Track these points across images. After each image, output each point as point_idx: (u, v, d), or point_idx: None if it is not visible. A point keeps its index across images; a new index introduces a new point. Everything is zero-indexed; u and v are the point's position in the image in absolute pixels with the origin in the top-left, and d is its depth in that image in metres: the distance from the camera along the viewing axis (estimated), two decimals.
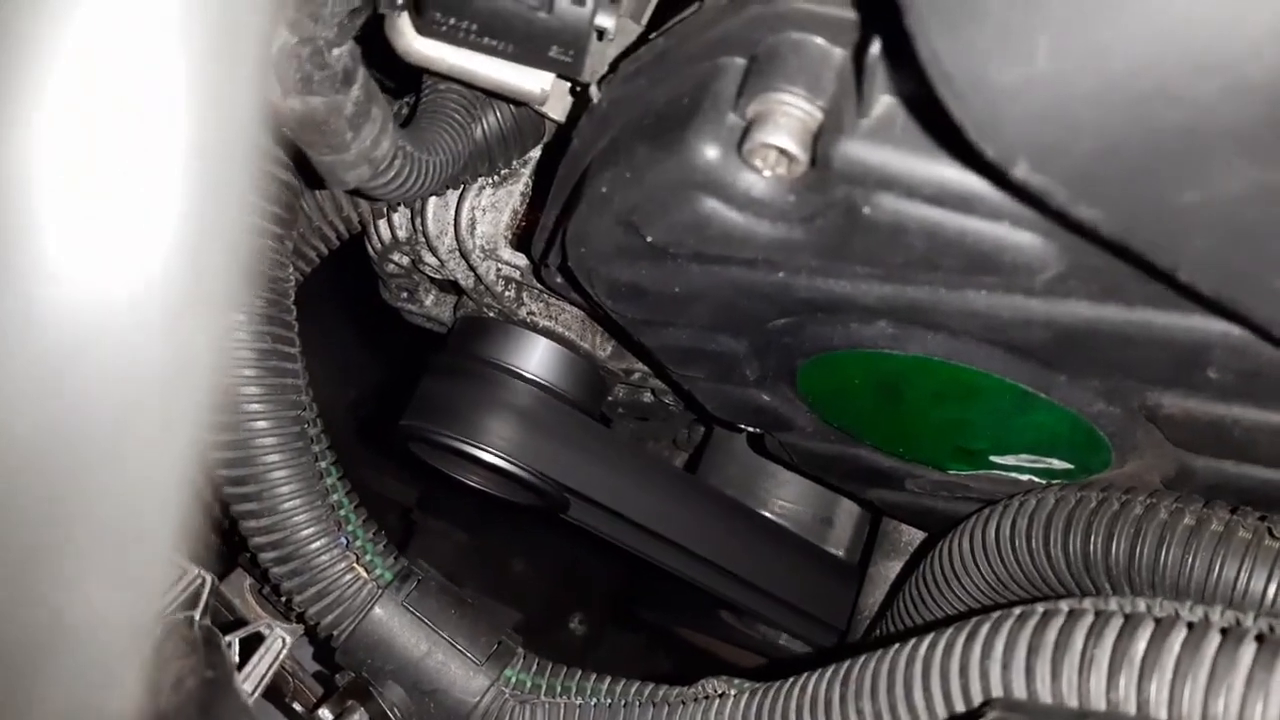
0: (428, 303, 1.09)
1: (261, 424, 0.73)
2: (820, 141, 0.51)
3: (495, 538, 1.69)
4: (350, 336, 1.64)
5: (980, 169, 0.45)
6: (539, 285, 0.95)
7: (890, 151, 0.49)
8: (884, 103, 0.49)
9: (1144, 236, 0.41)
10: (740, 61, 0.54)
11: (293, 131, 0.59)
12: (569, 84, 0.71)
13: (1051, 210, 0.41)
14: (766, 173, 0.53)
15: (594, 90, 0.66)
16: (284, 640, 0.69)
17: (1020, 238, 0.49)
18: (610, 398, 1.14)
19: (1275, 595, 0.62)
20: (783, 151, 0.52)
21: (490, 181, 0.90)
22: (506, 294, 0.97)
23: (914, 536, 1.03)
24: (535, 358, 1.00)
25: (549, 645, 1.68)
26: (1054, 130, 0.37)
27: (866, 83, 0.49)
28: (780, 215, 0.55)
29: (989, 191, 0.48)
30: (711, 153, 0.54)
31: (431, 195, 0.89)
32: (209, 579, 0.65)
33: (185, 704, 0.41)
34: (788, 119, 0.51)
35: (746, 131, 0.52)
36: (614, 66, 0.65)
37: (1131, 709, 0.49)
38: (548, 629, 1.74)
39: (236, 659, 0.67)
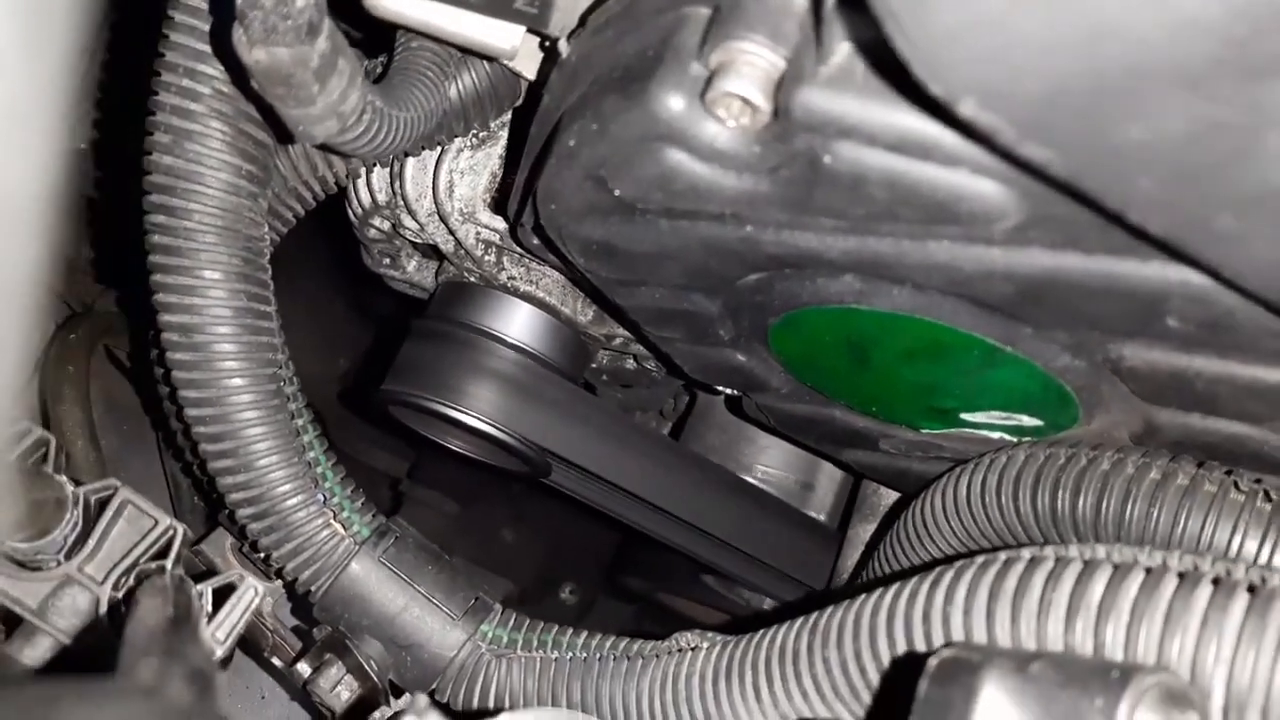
0: (410, 268, 1.10)
1: (237, 381, 0.74)
2: (781, 91, 0.51)
3: (486, 508, 1.70)
4: (340, 306, 1.64)
5: (932, 111, 0.45)
6: (519, 249, 0.95)
7: (850, 100, 0.49)
8: (843, 51, 0.49)
9: (1092, 176, 0.41)
10: (704, 11, 0.54)
11: (259, 84, 0.59)
12: (540, 40, 0.71)
13: (1000, 150, 0.41)
14: (730, 123, 0.53)
15: (563, 45, 0.66)
16: (256, 590, 0.70)
17: (979, 185, 0.50)
18: (594, 365, 1.15)
19: (1239, 547, 0.63)
20: (745, 101, 0.52)
21: (468, 144, 0.90)
22: (486, 258, 0.98)
23: (892, 498, 1.04)
24: (516, 322, 1.00)
25: (540, 615, 1.69)
26: (999, 67, 0.37)
27: (825, 30, 0.49)
28: (745, 166, 0.56)
29: (946, 138, 0.48)
30: (675, 103, 0.54)
31: (406, 154, 0.89)
32: (180, 529, 0.66)
33: (149, 642, 0.42)
34: (750, 68, 0.51)
35: (709, 81, 0.52)
36: (583, 20, 0.65)
37: (1088, 651, 0.50)
38: (539, 598, 1.75)
39: (209, 608, 0.67)
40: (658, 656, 0.74)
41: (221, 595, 0.69)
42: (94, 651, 0.62)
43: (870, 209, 0.54)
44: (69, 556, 0.66)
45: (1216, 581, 0.49)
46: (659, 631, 1.72)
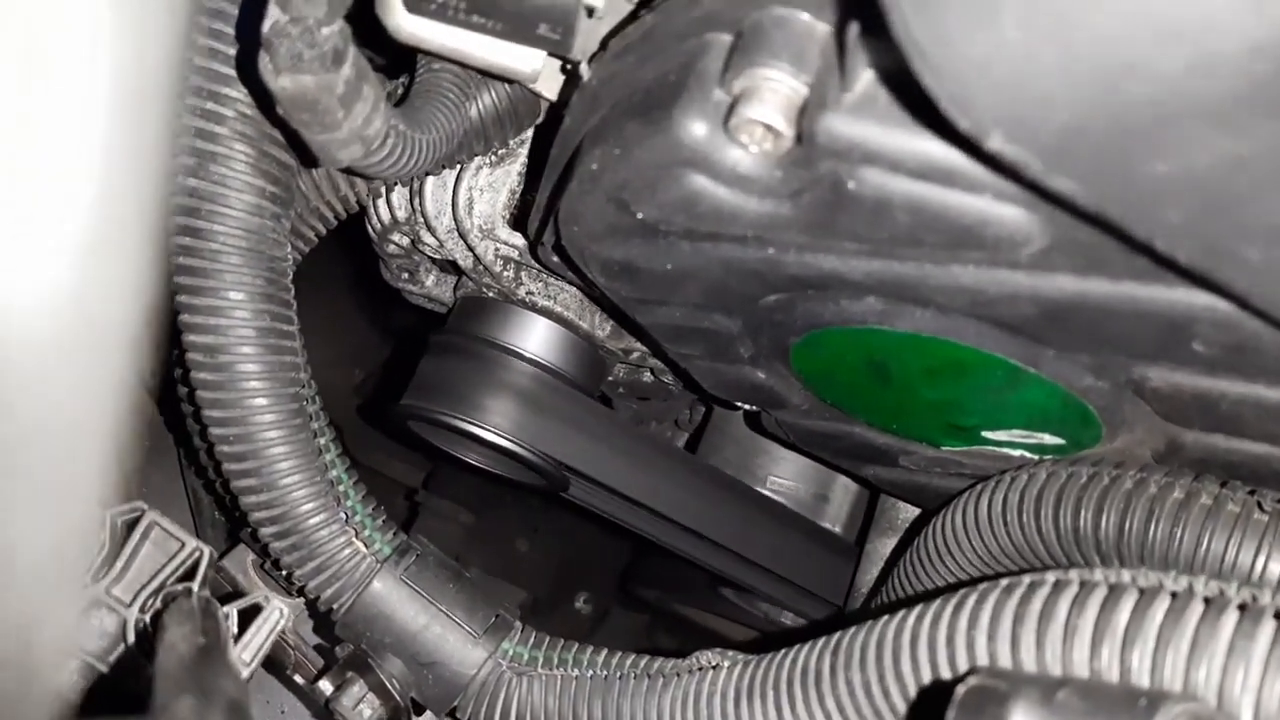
0: (428, 283, 1.10)
1: (260, 401, 0.74)
2: (805, 117, 0.51)
3: (501, 518, 1.70)
4: (357, 319, 1.65)
5: (958, 142, 0.45)
6: (537, 265, 0.95)
7: (873, 126, 0.49)
8: (866, 78, 0.49)
9: (1119, 208, 0.41)
10: (726, 38, 0.55)
11: (285, 110, 0.59)
12: (561, 62, 0.72)
13: (1028, 181, 0.41)
14: (753, 148, 0.54)
15: (584, 68, 0.66)
16: (281, 612, 0.70)
17: (1003, 211, 0.50)
18: (610, 378, 1.15)
19: (1264, 568, 0.63)
20: (768, 127, 0.52)
21: (488, 161, 0.90)
22: (505, 274, 0.98)
23: (910, 513, 1.04)
24: (534, 337, 1.00)
25: (554, 625, 1.70)
26: (1025, 102, 0.38)
27: (849, 58, 0.49)
28: (767, 191, 0.56)
29: (970, 165, 0.48)
30: (698, 129, 0.54)
31: (428, 175, 0.90)
32: (207, 552, 0.66)
33: (177, 668, 0.42)
34: (773, 94, 0.52)
35: (733, 107, 0.53)
36: (604, 44, 0.65)
37: (1114, 678, 0.50)
38: (553, 608, 1.75)
39: (235, 629, 0.68)
40: (678, 675, 0.74)
41: (246, 616, 0.70)
42: (122, 674, 0.62)
43: (893, 233, 0.54)
44: (97, 579, 0.67)
45: (1243, 608, 0.49)
46: (673, 642, 1.72)
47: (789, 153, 0.53)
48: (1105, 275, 0.52)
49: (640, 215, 0.61)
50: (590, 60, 0.67)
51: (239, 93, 0.72)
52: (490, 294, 1.02)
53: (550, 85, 0.75)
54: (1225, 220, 0.40)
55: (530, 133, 0.88)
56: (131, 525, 0.68)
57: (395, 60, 0.80)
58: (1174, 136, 0.37)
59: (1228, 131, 0.36)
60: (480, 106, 0.78)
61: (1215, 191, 0.39)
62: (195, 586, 0.63)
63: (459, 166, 0.90)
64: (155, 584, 0.65)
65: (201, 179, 0.73)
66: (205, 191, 0.73)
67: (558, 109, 0.73)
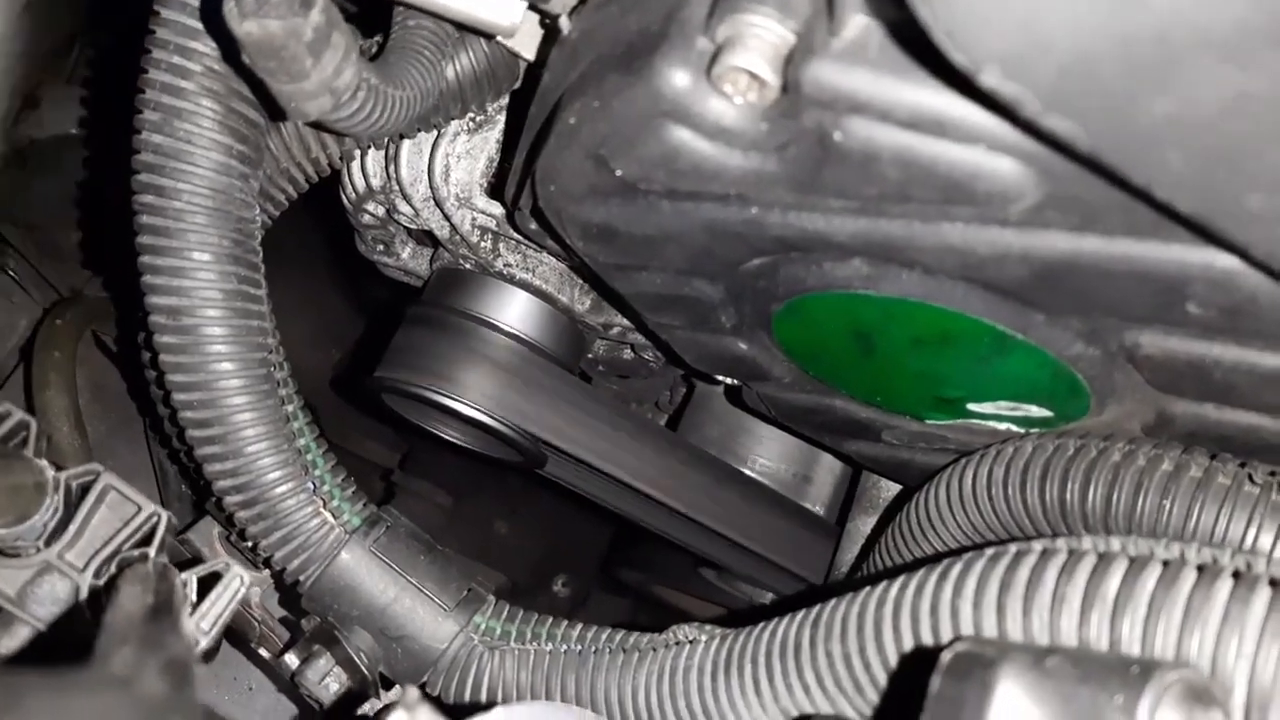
0: (404, 255, 1.08)
1: (226, 365, 0.72)
2: (791, 65, 0.49)
3: (479, 499, 1.69)
4: (334, 293, 1.62)
5: (952, 82, 0.43)
6: (515, 236, 0.93)
7: (863, 73, 0.47)
8: (856, 22, 0.47)
9: (1118, 151, 0.39)
10: None
11: (250, 58, 0.57)
12: (540, 19, 0.69)
13: (1023, 123, 0.40)
14: (737, 99, 0.52)
15: (564, 21, 0.64)
16: (242, 580, 0.68)
17: (996, 164, 0.48)
18: (590, 354, 1.13)
19: (1254, 541, 0.61)
20: (753, 75, 0.50)
21: (465, 127, 0.88)
22: (482, 245, 0.96)
23: (892, 491, 1.03)
24: (512, 310, 0.98)
25: (533, 608, 1.68)
26: (1024, 35, 0.36)
27: (838, 1, 0.47)
28: (751, 145, 0.54)
29: (963, 114, 0.46)
30: (681, 79, 0.52)
31: (403, 138, 0.87)
32: (165, 516, 0.64)
33: (122, 623, 0.40)
34: (758, 41, 0.50)
35: (716, 56, 0.51)
36: None
37: (1103, 648, 0.48)
38: (532, 591, 1.74)
39: (194, 597, 0.65)
40: (654, 649, 0.72)
41: (207, 584, 0.67)
42: (74, 641, 0.60)
43: (882, 189, 0.52)
44: (49, 543, 0.64)
45: (1237, 575, 0.48)
46: (654, 626, 1.71)
47: (774, 103, 0.51)
48: (1099, 232, 0.50)
49: (620, 172, 0.59)
50: (571, 13, 0.65)
51: (206, 46, 0.69)
52: (467, 266, 0.99)
53: (528, 44, 0.72)
54: (1227, 165, 0.38)
55: (507, 100, 0.85)
56: (86, 488, 0.65)
57: (370, 16, 0.78)
58: (1178, 72, 0.35)
59: (1236, 65, 0.35)
60: (458, 67, 0.76)
61: (1219, 133, 0.37)
62: (152, 552, 0.60)
63: (435, 132, 0.88)
64: (110, 549, 0.63)
65: (166, 135, 0.70)
66: (170, 148, 0.70)
67: (535, 71, 0.71)
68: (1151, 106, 0.37)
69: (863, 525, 1.03)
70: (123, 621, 0.41)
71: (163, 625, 0.41)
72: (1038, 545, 0.54)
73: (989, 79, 0.37)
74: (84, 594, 0.62)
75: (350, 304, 1.65)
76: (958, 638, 0.51)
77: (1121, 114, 0.37)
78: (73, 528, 0.63)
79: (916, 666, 0.50)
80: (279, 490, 0.74)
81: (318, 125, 0.68)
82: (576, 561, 1.77)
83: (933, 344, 0.67)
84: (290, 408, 0.76)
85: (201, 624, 0.65)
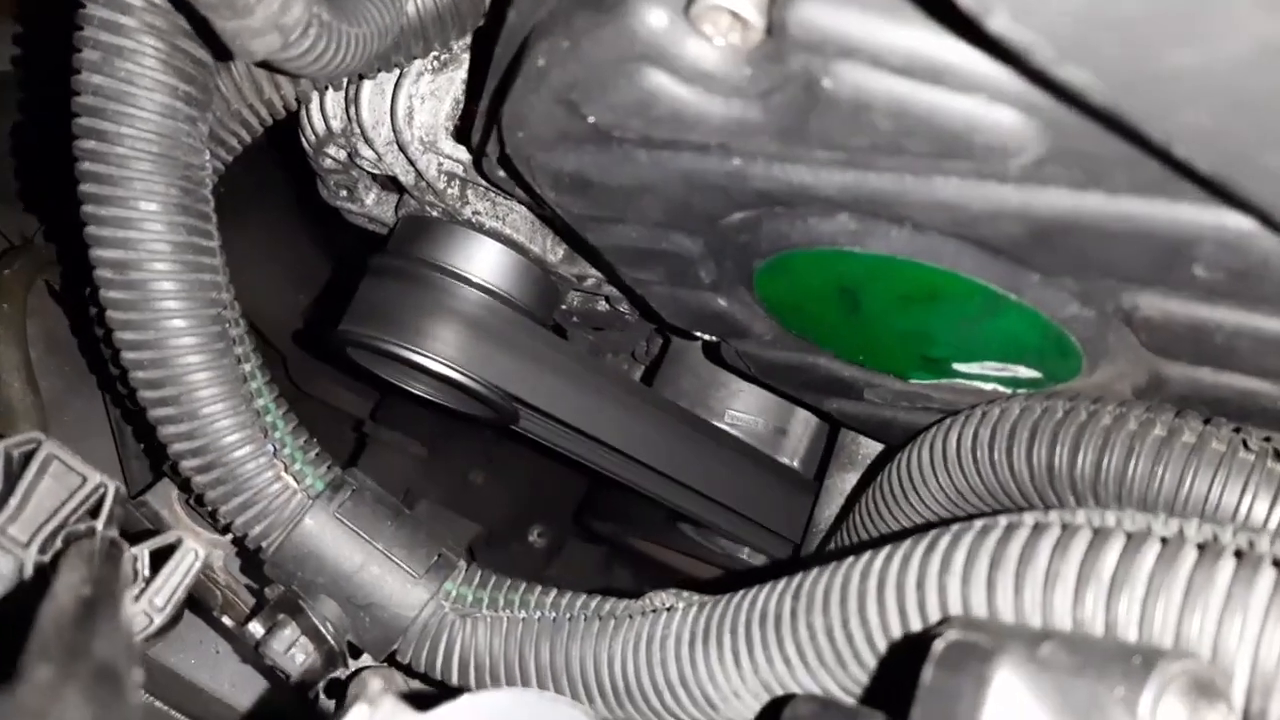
0: (368, 201, 1.03)
1: (178, 322, 0.68)
2: (776, 4, 0.45)
3: (454, 449, 1.66)
4: (302, 240, 1.56)
5: (954, 26, 0.39)
6: (484, 182, 0.89)
7: (854, 13, 0.44)
8: None
9: (1136, 104, 0.36)
10: None
11: None
12: None
13: (1033, 72, 0.36)
14: (718, 40, 0.48)
15: None
16: (196, 554, 0.64)
17: (997, 115, 0.45)
18: (563, 306, 1.09)
19: (1250, 509, 0.59)
20: (735, 15, 0.46)
21: (429, 67, 0.83)
22: (449, 191, 0.91)
23: (872, 449, 1.00)
24: (481, 260, 0.94)
25: (508, 557, 1.66)
26: None
27: None
28: (733, 91, 0.50)
29: (964, 60, 0.43)
30: (656, 18, 0.49)
31: (362, 77, 0.83)
32: (113, 487, 0.60)
33: (50, 627, 0.37)
34: None
35: None
36: None
37: (1099, 629, 0.46)
38: (507, 541, 1.72)
39: (147, 571, 0.62)
40: (631, 617, 0.70)
41: (161, 556, 0.64)
42: (18, 621, 0.57)
43: (872, 140, 0.49)
44: None
45: (1239, 554, 0.45)
46: (630, 576, 1.69)
47: (758, 46, 0.48)
48: (1103, 189, 0.47)
49: (592, 119, 0.56)
50: None
51: None
52: (434, 213, 0.95)
53: None
54: (1254, 121, 0.35)
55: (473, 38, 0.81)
56: (28, 457, 0.61)
57: None
58: (1206, 18, 0.32)
59: (1266, 10, 0.31)
60: (418, 1, 0.71)
61: (1245, 87, 0.34)
62: (99, 525, 0.57)
63: (397, 72, 0.83)
64: (55, 522, 0.59)
65: (107, 75, 0.65)
66: (111, 90, 0.65)
67: (501, 6, 0.66)
68: (1173, 58, 0.34)
69: (841, 482, 1.01)
70: (51, 625, 0.37)
71: (97, 623, 0.38)
72: (1029, 518, 0.52)
73: (997, 23, 0.34)
74: (29, 571, 0.58)
75: (320, 247, 1.60)
76: (946, 619, 0.49)
77: (1142, 65, 0.34)
78: (14, 500, 0.59)
79: (908, 654, 0.48)
80: (237, 454, 0.70)
81: (268, 66, 0.63)
82: (552, 511, 1.75)
83: (920, 303, 0.64)
84: (248, 366, 0.72)
85: (155, 600, 0.62)
